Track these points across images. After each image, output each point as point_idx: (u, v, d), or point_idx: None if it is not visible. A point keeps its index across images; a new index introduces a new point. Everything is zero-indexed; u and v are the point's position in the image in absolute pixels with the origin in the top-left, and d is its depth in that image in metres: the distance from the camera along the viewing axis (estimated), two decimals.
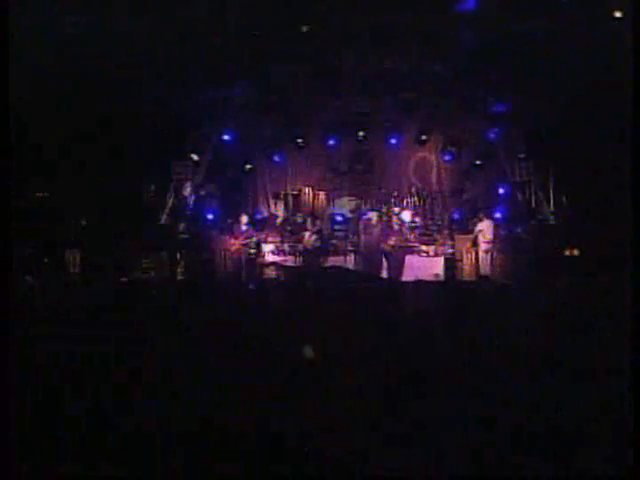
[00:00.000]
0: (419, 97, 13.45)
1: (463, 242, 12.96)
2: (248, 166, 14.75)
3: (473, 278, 12.20)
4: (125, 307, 5.65)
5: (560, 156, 12.35)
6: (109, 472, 2.55)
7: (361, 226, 13.48)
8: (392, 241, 12.86)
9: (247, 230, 13.08)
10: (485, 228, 12.68)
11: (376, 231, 13.25)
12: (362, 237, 13.30)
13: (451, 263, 12.84)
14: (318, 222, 13.82)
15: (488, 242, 12.50)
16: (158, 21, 10.91)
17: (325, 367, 3.25)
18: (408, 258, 12.90)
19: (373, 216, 13.50)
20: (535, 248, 11.81)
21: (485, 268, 12.34)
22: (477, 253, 12.62)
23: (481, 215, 12.97)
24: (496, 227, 12.82)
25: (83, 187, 12.60)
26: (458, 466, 2.96)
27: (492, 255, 12.44)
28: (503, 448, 3.00)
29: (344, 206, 14.56)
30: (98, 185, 12.53)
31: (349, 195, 14.80)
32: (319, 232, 13.43)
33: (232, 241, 12.78)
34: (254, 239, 13.07)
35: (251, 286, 10.42)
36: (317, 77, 13.13)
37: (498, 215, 13.44)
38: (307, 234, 13.35)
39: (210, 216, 14.02)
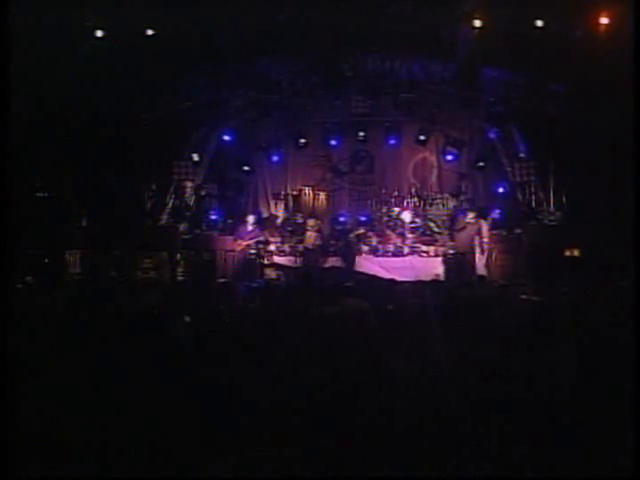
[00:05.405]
0: (419, 97, 13.38)
1: (462, 242, 12.91)
2: (246, 167, 14.70)
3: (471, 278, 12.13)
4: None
5: (560, 156, 12.32)
6: None
7: (457, 226, 12.93)
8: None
9: (253, 230, 12.95)
10: (480, 228, 12.58)
11: (470, 230, 12.68)
12: (458, 236, 12.77)
13: (451, 263, 12.80)
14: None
15: (483, 242, 12.46)
16: (159, 21, 10.92)
17: None
18: (409, 259, 12.90)
19: (471, 215, 12.91)
20: (534, 248, 11.79)
21: (481, 268, 12.30)
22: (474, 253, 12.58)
23: (473, 215, 12.88)
24: (491, 227, 12.75)
25: (83, 187, 12.59)
26: None
27: (489, 255, 12.41)
28: None
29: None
30: (99, 185, 12.52)
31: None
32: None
33: (238, 241, 12.71)
34: (260, 239, 12.98)
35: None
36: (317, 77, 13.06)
37: (497, 215, 13.39)
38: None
39: (212, 216, 13.96)
